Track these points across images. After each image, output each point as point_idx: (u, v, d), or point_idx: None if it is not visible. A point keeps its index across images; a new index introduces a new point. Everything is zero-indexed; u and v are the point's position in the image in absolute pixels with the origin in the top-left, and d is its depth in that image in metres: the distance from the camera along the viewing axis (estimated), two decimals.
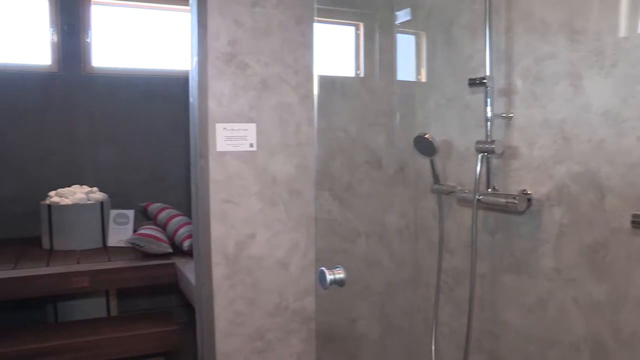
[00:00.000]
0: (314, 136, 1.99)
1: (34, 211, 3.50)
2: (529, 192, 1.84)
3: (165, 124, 3.96)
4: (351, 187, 2.29)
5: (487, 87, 1.88)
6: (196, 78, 1.93)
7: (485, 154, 1.89)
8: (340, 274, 1.35)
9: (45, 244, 3.32)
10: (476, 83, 1.89)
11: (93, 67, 3.85)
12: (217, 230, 1.94)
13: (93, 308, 3.36)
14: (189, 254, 3.02)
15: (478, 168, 1.88)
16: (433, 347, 2.35)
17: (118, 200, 3.66)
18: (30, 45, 3.72)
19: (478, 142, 1.89)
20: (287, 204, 2.00)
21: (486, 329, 2.06)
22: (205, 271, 1.99)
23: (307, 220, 2.04)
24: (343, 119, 2.30)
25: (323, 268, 1.34)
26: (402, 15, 2.44)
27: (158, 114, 3.95)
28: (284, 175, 1.99)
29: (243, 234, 1.97)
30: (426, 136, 2.16)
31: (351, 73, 2.48)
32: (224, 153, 1.91)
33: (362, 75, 2.45)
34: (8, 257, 3.10)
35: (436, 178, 2.24)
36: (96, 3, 3.84)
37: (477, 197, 1.91)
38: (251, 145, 1.93)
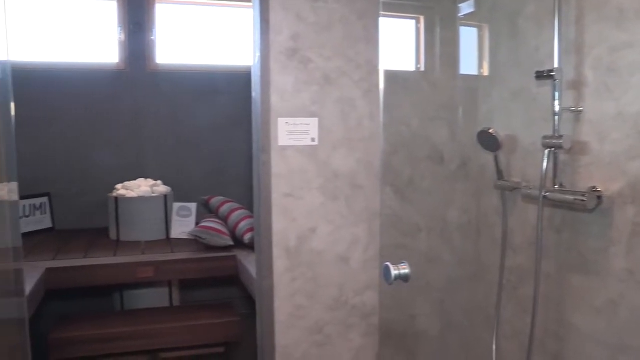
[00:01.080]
0: (379, 131, 1.97)
1: (102, 203, 3.61)
2: (599, 189, 1.76)
3: (227, 119, 4.01)
4: (413, 182, 2.25)
5: (555, 79, 1.81)
6: (259, 73, 1.94)
7: (553, 149, 1.82)
8: (405, 270, 1.33)
9: (113, 234, 3.42)
10: (544, 76, 1.83)
11: (157, 64, 3.93)
12: (278, 224, 1.95)
13: (156, 298, 3.44)
14: (250, 247, 3.05)
15: (545, 164, 1.82)
16: (494, 346, 2.29)
17: (181, 193, 3.73)
18: (100, 45, 3.84)
19: (545, 137, 1.82)
20: (349, 198, 1.99)
21: (551, 330, 1.99)
22: (266, 264, 2.00)
23: (369, 215, 2.02)
24: (405, 113, 2.26)
25: (388, 263, 1.32)
26: (465, 8, 2.39)
27: (220, 109, 4.00)
28: (345, 169, 1.98)
29: (304, 227, 1.97)
30: (490, 131, 2.10)
31: (411, 67, 2.44)
32: (286, 147, 1.91)
33: (422, 69, 2.41)
34: (79, 247, 3.21)
35: (500, 174, 2.18)
36: (161, 2, 3.92)
37: (543, 193, 1.84)
38: (313, 140, 1.93)
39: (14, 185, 1.91)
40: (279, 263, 1.97)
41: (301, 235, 1.97)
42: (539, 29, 2.01)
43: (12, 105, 1.86)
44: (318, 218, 1.98)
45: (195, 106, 3.98)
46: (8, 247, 1.86)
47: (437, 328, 2.46)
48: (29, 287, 2.38)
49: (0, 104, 1.79)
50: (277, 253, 1.97)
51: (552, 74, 1.81)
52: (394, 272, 1.31)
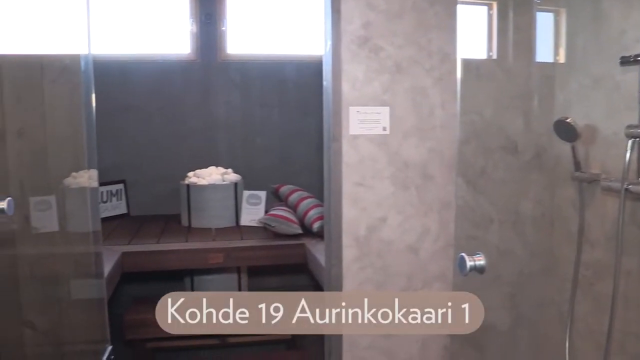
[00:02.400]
0: (451, 120, 1.95)
1: (174, 190, 3.74)
2: None
3: (297, 108, 4.05)
4: (485, 172, 2.22)
5: None
6: (330, 62, 1.95)
7: (637, 139, 1.75)
8: (481, 261, 1.32)
9: (184, 221, 3.54)
10: (630, 61, 1.75)
11: (228, 54, 4.02)
12: (348, 213, 1.96)
13: (225, 283, 3.53)
14: (319, 235, 3.08)
15: (628, 155, 1.75)
16: (567, 344, 2.24)
17: (251, 181, 3.81)
18: (172, 36, 3.96)
19: (629, 127, 1.76)
20: (420, 188, 1.98)
21: (631, 331, 1.92)
22: (335, 253, 2.02)
23: (439, 206, 2.01)
24: (477, 102, 2.23)
25: (463, 254, 1.31)
26: None
27: (289, 98, 4.05)
28: (416, 159, 1.97)
29: (374, 217, 1.98)
30: (567, 120, 2.04)
31: (483, 55, 2.40)
32: (356, 136, 1.92)
33: (494, 57, 2.36)
34: (152, 232, 3.35)
35: (577, 165, 2.11)
36: None
37: (625, 186, 1.78)
38: (384, 129, 1.93)
39: (94, 173, 2.01)
40: (348, 252, 1.99)
41: (371, 225, 1.98)
42: (627, 11, 1.93)
43: (93, 96, 1.96)
44: (388, 207, 1.98)
45: (265, 95, 4.05)
46: (89, 231, 1.96)
47: (507, 322, 2.42)
48: (107, 270, 2.49)
49: (83, 96, 1.89)
50: (347, 242, 1.98)
51: (639, 59, 1.73)
52: (469, 263, 1.30)
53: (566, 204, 2.28)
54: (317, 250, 2.82)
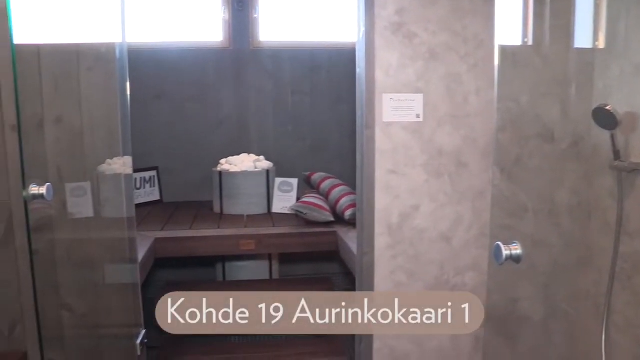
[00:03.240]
0: (486, 107, 1.93)
1: (206, 177, 3.78)
2: None
3: (329, 95, 4.05)
4: (520, 160, 2.18)
5: None
6: (363, 48, 1.95)
7: None
8: (517, 250, 1.31)
9: (216, 207, 3.58)
10: None
11: (261, 41, 4.03)
12: (381, 201, 1.97)
13: (257, 270, 3.58)
14: (350, 223, 3.09)
15: None
16: (603, 337, 2.20)
17: (283, 169, 3.83)
18: (205, 24, 3.98)
19: None
20: (453, 176, 1.98)
21: None
22: (368, 240, 2.03)
23: (473, 194, 2.00)
24: (513, 89, 2.19)
25: (499, 243, 1.31)
26: None
27: (322, 85, 4.05)
28: (450, 147, 1.96)
29: (407, 205, 1.98)
30: (607, 107, 1.99)
31: (518, 41, 2.35)
32: (390, 123, 1.92)
33: (529, 42, 2.31)
34: (185, 219, 3.39)
35: (617, 154, 2.06)
36: None
37: None
38: (418, 116, 1.92)
39: (129, 160, 2.05)
40: (381, 240, 2.00)
41: (404, 213, 1.98)
42: None
43: (127, 84, 1.99)
44: (421, 195, 1.98)
45: (297, 83, 4.05)
46: (123, 217, 2.00)
47: (541, 314, 2.39)
48: (140, 255, 2.54)
49: (117, 84, 1.92)
50: (379, 230, 1.99)
51: None
52: (505, 252, 1.30)
53: (604, 194, 2.23)
54: (349, 238, 2.83)
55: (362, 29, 1.94)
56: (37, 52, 1.40)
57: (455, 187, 1.99)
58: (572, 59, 2.23)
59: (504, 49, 2.20)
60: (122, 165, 1.98)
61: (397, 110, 1.91)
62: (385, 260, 2.02)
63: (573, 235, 2.31)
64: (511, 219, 2.24)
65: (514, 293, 2.31)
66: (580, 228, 2.32)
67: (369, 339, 2.08)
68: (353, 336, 2.21)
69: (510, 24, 2.34)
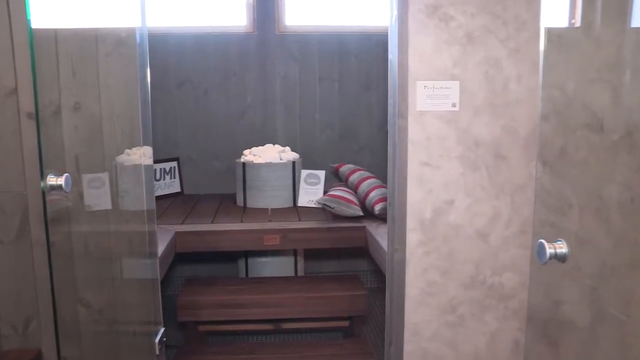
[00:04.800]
0: (528, 95, 1.89)
1: (229, 168, 3.80)
2: None
3: (358, 82, 4.03)
4: (565, 153, 2.14)
5: None
6: (396, 33, 1.93)
7: None
8: (562, 249, 1.28)
9: (239, 200, 3.59)
10: None
11: (286, 26, 4.02)
12: (413, 194, 1.95)
13: (281, 266, 3.58)
14: (380, 217, 3.08)
15: None
16: None
17: (309, 160, 3.83)
18: (229, 8, 3.99)
19: None
20: (491, 169, 1.95)
21: None
22: (399, 236, 2.02)
23: (512, 188, 1.97)
24: (557, 74, 2.14)
25: (542, 240, 1.28)
26: None
27: (351, 72, 4.03)
28: (488, 137, 1.93)
29: (441, 199, 1.96)
30: None
31: (564, 22, 2.29)
32: (424, 112, 1.90)
33: (577, 23, 2.25)
34: (206, 212, 3.41)
35: None
36: None
37: None
38: (453, 105, 1.90)
39: (149, 150, 2.05)
40: (413, 236, 1.98)
41: (437, 208, 1.96)
42: None
43: (148, 71, 1.99)
44: (456, 189, 1.96)
45: (325, 69, 4.04)
46: (143, 209, 2.01)
47: (587, 319, 2.34)
48: (160, 249, 2.56)
49: (138, 71, 1.92)
50: (411, 225, 1.97)
51: None
52: (549, 250, 1.26)
53: None
54: (379, 234, 2.82)
55: (395, 12, 1.92)
56: (54, 37, 1.41)
57: (493, 181, 1.96)
58: (628, 41, 2.17)
59: (549, 31, 2.15)
60: (141, 155, 1.99)
61: (431, 98, 1.89)
62: (417, 257, 2.00)
63: (624, 233, 2.26)
64: (555, 215, 2.20)
65: (558, 295, 2.27)
66: (632, 226, 2.26)
67: (399, 340, 2.07)
68: (382, 337, 2.19)
69: (556, 4, 2.29)
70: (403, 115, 1.92)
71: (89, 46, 1.63)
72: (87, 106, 1.60)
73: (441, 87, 1.89)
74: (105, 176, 1.70)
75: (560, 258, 1.29)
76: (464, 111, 1.91)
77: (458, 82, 1.89)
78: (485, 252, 2.01)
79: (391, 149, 2.06)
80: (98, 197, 1.67)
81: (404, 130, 1.93)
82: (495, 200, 1.97)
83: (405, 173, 1.95)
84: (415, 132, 1.91)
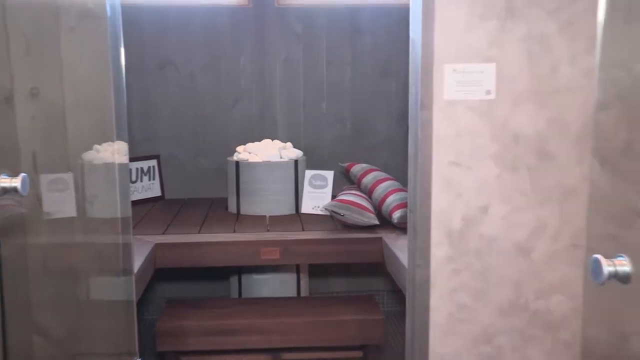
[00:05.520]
0: (583, 79, 1.86)
1: (220, 168, 3.78)
2: None
3: (374, 66, 4.01)
4: (630, 148, 2.10)
5: None
6: (419, 7, 1.92)
7: None
8: (624, 266, 1.23)
9: (232, 206, 3.58)
10: None
11: None
12: (439, 200, 1.93)
13: (281, 285, 3.57)
14: (400, 227, 3.05)
15: None
16: None
17: (315, 158, 3.82)
18: None
19: None
20: (534, 170, 1.93)
21: None
22: (422, 250, 2.00)
23: (561, 193, 1.95)
24: (623, 52, 2.10)
25: (598, 256, 1.24)
26: None
27: (365, 54, 4.01)
28: (531, 132, 1.91)
29: (473, 206, 1.94)
30: None
31: None
32: (452, 102, 1.89)
33: None
34: (192, 220, 3.39)
35: None
36: None
37: None
38: (488, 93, 1.88)
39: (123, 146, 2.03)
40: (439, 250, 1.96)
41: (468, 216, 1.95)
42: None
43: (122, 50, 1.97)
44: (491, 194, 1.94)
45: (333, 50, 4.02)
46: (115, 217, 1.99)
47: None
48: (136, 265, 2.54)
49: (109, 50, 1.90)
50: (437, 237, 1.96)
51: None
52: (607, 268, 1.22)
53: None
54: (398, 247, 2.79)
55: None
56: (2, 6, 1.38)
57: (537, 184, 1.94)
58: None
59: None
60: (114, 152, 1.97)
61: (461, 85, 1.88)
62: (444, 276, 1.98)
63: None
64: (615, 225, 2.16)
65: (622, 325, 2.22)
66: None
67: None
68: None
69: None
70: (427, 105, 1.90)
71: (48, 19, 1.61)
72: (46, 92, 1.57)
73: (474, 72, 1.87)
74: (69, 177, 1.68)
75: (621, 278, 1.24)
76: (502, 100, 1.89)
77: (494, 64, 1.87)
78: (527, 271, 1.99)
79: (412, 146, 2.04)
80: (60, 202, 1.65)
81: (428, 123, 1.91)
82: (538, 207, 1.95)
83: (429, 174, 1.93)
84: (441, 126, 1.90)
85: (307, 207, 3.54)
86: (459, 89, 1.88)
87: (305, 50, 4.02)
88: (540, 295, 2.00)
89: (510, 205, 1.95)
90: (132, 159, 3.59)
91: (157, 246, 2.96)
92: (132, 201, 3.58)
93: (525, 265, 1.99)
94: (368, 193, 3.40)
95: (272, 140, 3.71)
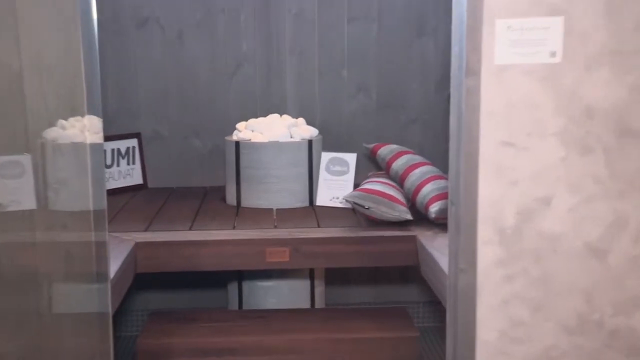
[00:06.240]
0: None
1: (216, 150, 3.79)
2: None
3: (406, 23, 3.99)
4: None
5: None
6: None
7: None
8: None
9: (230, 197, 3.58)
10: None
11: None
12: (488, 190, 1.92)
13: (291, 294, 3.58)
14: (438, 223, 3.04)
15: None
16: None
17: (333, 138, 3.83)
18: None
19: None
20: (611, 151, 1.90)
21: None
22: (466, 252, 2.00)
23: None
24: None
25: None
26: None
27: (395, 8, 3.99)
28: (607, 103, 1.88)
29: (531, 196, 1.93)
30: None
31: None
32: (506, 67, 1.87)
33: None
34: (181, 214, 3.40)
35: None
36: None
37: None
38: (553, 55, 1.86)
39: (96, 122, 2.02)
40: (487, 251, 1.95)
41: (525, 209, 1.93)
42: None
43: (94, 3, 1.95)
44: (555, 182, 1.92)
45: (357, 3, 4.00)
46: (88, 209, 1.98)
47: None
48: (113, 269, 2.54)
49: (78, 3, 1.88)
50: (485, 235, 1.94)
51: None
52: None
53: None
54: (436, 248, 2.78)
55: None
56: None
57: (615, 169, 1.91)
58: None
59: None
60: (84, 129, 1.96)
61: (518, 45, 1.86)
62: (495, 283, 1.97)
63: None
64: None
65: None
66: None
67: None
68: None
69: None
70: (474, 71, 1.88)
71: None
72: None
73: (534, 28, 1.84)
74: (26, 160, 1.68)
75: None
76: (570, 64, 1.86)
77: (562, 18, 1.84)
78: (603, 278, 1.96)
79: (455, 121, 2.02)
80: (15, 192, 1.65)
81: (475, 93, 1.89)
82: (617, 199, 1.93)
83: (476, 157, 1.91)
84: (492, 97, 1.88)
85: (323, 199, 3.54)
86: (514, 50, 1.86)
87: (321, 3, 4.00)
88: (620, 309, 1.98)
89: (580, 196, 1.93)
90: (107, 138, 3.58)
91: (138, 246, 2.96)
92: (108, 190, 3.58)
93: (599, 272, 1.96)
94: (399, 181, 3.39)
95: (281, 115, 3.71)
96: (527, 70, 1.86)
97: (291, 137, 3.53)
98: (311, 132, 3.61)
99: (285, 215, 3.35)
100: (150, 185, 3.98)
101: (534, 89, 1.87)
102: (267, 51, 4.01)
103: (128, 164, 3.88)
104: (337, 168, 3.55)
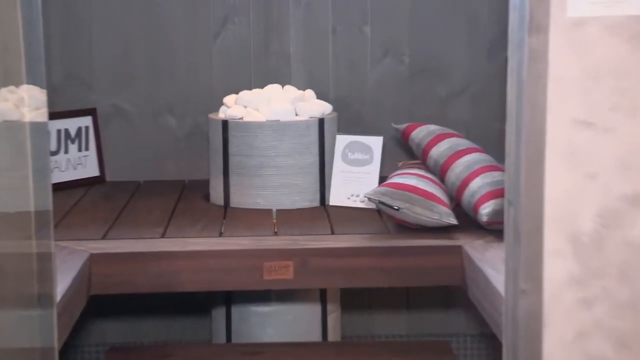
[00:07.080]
0: None
1: (196, 132, 3.79)
2: None
3: None
4: None
5: None
6: None
7: None
8: None
9: (216, 194, 3.59)
10: None
11: None
12: (559, 184, 1.92)
13: (296, 323, 3.60)
14: (491, 229, 3.03)
15: None
16: None
17: (353, 116, 3.83)
18: None
19: None
20: None
21: None
22: (529, 267, 1.99)
23: None
24: None
25: None
26: None
27: None
28: None
29: (615, 192, 1.92)
30: None
31: None
32: (581, 21, 1.86)
33: None
34: (152, 216, 3.41)
35: None
36: None
37: None
38: None
39: (38, 94, 2.02)
40: (557, 266, 1.95)
41: (607, 210, 1.93)
42: None
43: None
44: None
45: None
46: (28, 210, 1.99)
47: None
48: (61, 289, 2.55)
49: None
50: (554, 244, 1.94)
51: None
52: None
53: None
54: (488, 261, 2.77)
55: None
56: None
57: None
58: None
59: None
60: (20, 103, 1.97)
61: None
62: (568, 307, 1.96)
63: None
64: None
65: None
66: None
67: None
68: None
69: None
70: (540, 26, 1.88)
71: None
72: None
73: None
74: None
75: None
76: None
77: None
78: None
79: (512, 93, 2.02)
80: None
81: (541, 56, 1.88)
82: None
83: (542, 141, 1.91)
84: (563, 61, 1.87)
85: (338, 196, 3.55)
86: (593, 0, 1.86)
87: None
88: None
89: None
90: (52, 115, 3.59)
91: (94, 259, 2.95)
92: (54, 184, 3.60)
93: None
94: (440, 173, 3.39)
95: (283, 86, 3.71)
96: (610, 24, 1.86)
97: (296, 114, 3.53)
98: (323, 108, 3.61)
99: (289, 219, 3.36)
100: (109, 178, 3.98)
101: (621, 50, 1.87)
102: (264, 8, 4.02)
103: (80, 149, 3.88)
104: (357, 156, 3.55)
